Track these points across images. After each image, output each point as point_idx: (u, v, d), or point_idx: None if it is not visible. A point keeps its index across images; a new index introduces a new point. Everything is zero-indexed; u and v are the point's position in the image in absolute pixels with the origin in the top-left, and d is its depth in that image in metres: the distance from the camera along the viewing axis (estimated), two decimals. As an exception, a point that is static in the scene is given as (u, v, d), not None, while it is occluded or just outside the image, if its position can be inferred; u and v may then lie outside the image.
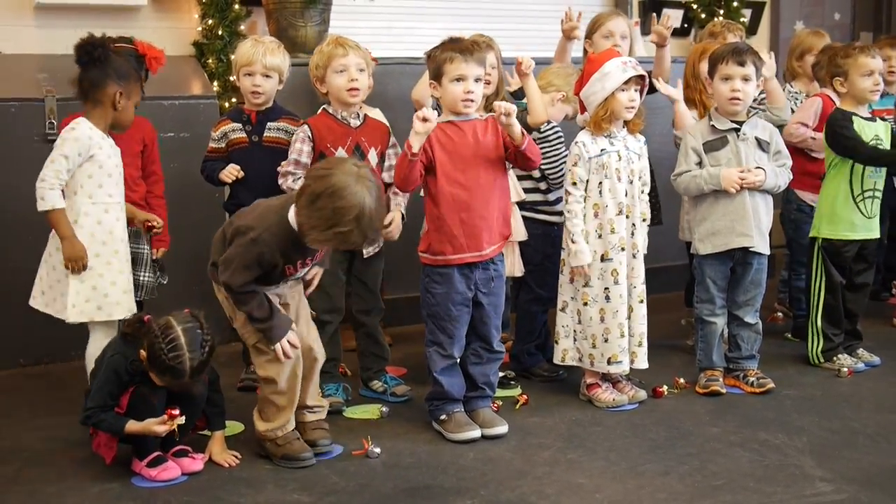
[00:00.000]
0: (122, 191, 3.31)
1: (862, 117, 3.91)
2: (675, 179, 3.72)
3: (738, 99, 3.60)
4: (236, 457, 3.08)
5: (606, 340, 3.51)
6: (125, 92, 3.25)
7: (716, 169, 3.62)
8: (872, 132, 3.90)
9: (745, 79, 3.60)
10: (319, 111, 3.64)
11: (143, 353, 2.88)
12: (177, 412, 2.89)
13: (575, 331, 3.57)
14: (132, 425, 2.90)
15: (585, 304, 3.51)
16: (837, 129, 3.88)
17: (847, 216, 3.90)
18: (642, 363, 3.57)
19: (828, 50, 4.38)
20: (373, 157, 3.59)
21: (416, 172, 3.18)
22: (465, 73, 3.19)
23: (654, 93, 4.14)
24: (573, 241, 3.47)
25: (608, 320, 3.50)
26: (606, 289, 3.49)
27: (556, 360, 3.64)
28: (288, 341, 2.97)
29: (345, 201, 2.73)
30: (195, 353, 2.85)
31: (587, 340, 3.53)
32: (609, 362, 3.51)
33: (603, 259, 3.49)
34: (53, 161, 3.15)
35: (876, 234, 3.98)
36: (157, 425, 2.89)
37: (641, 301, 3.55)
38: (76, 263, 3.16)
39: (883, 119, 4.04)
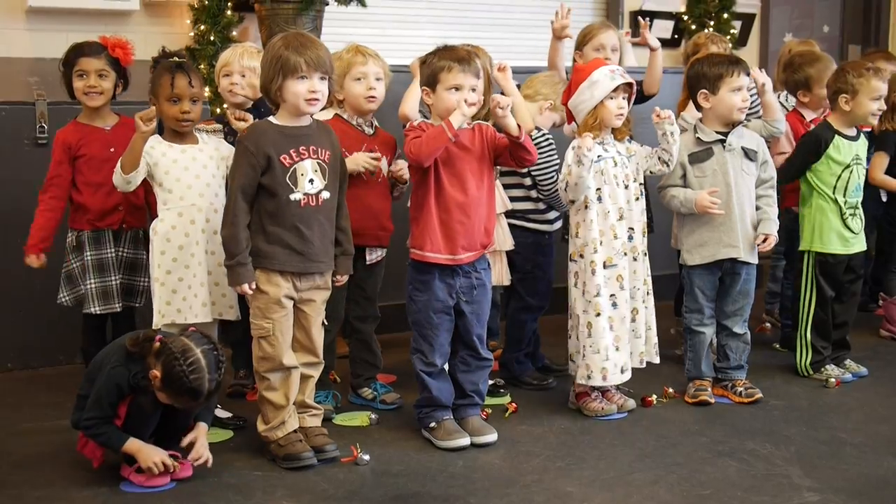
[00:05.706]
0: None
1: (846, 137, 3.92)
2: (660, 192, 3.75)
3: (746, 108, 3.66)
4: (208, 460, 3.01)
5: (618, 349, 3.48)
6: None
7: (692, 192, 3.64)
8: (853, 153, 3.91)
9: (747, 88, 3.66)
10: (332, 116, 3.54)
11: (155, 372, 2.83)
12: (177, 462, 2.93)
13: (585, 345, 3.48)
14: (132, 444, 2.89)
15: (598, 314, 3.44)
16: (801, 146, 3.96)
17: (838, 232, 3.92)
18: (655, 358, 3.58)
19: (804, 56, 4.38)
20: (384, 165, 3.59)
21: (440, 151, 3.18)
22: (462, 83, 3.18)
23: (642, 102, 4.16)
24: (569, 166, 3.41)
25: (617, 327, 3.47)
26: (613, 295, 3.46)
27: (580, 380, 3.51)
28: (245, 286, 3.02)
29: None
30: (213, 375, 2.85)
31: (599, 354, 3.45)
32: (622, 371, 3.49)
33: (606, 266, 3.47)
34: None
35: (863, 247, 4.01)
36: (156, 463, 2.87)
37: (645, 303, 3.55)
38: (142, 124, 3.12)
39: (862, 133, 4.05)
